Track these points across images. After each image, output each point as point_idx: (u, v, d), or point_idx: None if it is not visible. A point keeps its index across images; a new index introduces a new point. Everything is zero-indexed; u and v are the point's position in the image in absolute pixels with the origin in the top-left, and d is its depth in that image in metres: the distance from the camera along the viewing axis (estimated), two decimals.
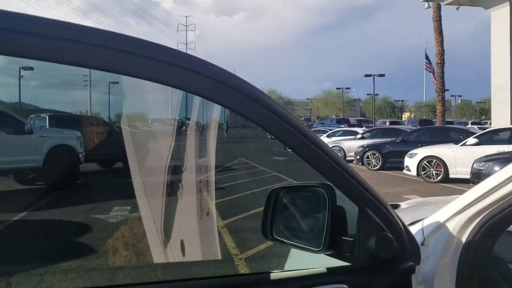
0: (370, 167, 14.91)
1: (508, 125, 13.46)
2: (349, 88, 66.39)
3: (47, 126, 10.66)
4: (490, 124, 19.18)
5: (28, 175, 11.07)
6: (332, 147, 17.38)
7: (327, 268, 1.17)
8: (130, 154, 1.96)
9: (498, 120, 15.79)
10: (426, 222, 1.36)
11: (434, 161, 11.90)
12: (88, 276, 4.21)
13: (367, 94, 63.93)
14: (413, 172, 12.28)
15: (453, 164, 11.62)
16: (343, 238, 1.21)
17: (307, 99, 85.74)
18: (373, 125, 34.44)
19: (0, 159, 9.86)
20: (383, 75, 39.74)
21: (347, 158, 16.92)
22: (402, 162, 12.94)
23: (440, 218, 1.31)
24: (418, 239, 1.33)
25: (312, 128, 31.50)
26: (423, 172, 12.05)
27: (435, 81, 25.21)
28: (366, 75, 38.80)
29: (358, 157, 15.56)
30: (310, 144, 1.06)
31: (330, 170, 1.10)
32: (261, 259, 4.62)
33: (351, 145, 17.42)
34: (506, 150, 10.48)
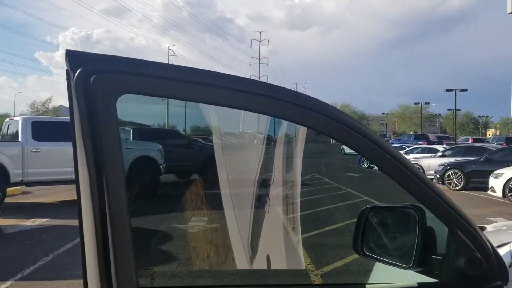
0: (451, 187, 14.26)
1: None
2: (428, 103, 63.56)
3: (131, 139, 11.35)
4: None
5: None
6: None
7: (418, 283, 1.24)
8: (219, 167, 2.11)
9: None
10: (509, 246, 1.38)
11: None
12: (171, 282, 4.46)
13: (448, 110, 61.06)
14: (499, 193, 11.58)
15: None
16: (433, 256, 1.27)
17: (383, 113, 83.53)
18: (454, 142, 32.81)
19: None
20: (465, 90, 37.70)
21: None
22: (486, 182, 12.25)
23: None
24: (507, 261, 1.36)
25: None
26: (509, 194, 11.33)
27: None
28: (447, 90, 37.09)
29: (438, 176, 14.94)
30: (402, 168, 1.16)
31: (421, 193, 1.18)
32: (337, 276, 4.63)
33: (430, 163, 16.75)
34: None
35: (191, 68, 1.02)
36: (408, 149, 21.98)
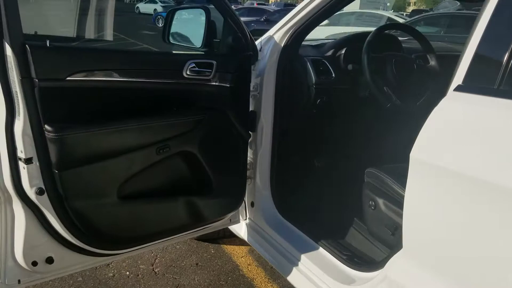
0: None
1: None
2: None
3: None
4: None
5: None
6: None
7: (203, 51, 1.96)
8: None
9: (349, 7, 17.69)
10: (264, 36, 2.19)
11: None
12: None
13: None
14: None
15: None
16: (214, 40, 2.00)
17: None
18: (241, 5, 34.68)
19: None
20: None
21: None
22: None
23: (271, 32, 2.15)
24: (258, 47, 2.18)
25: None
26: None
27: None
28: None
29: None
30: None
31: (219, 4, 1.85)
32: None
33: None
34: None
35: None
36: None
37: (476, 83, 1.19)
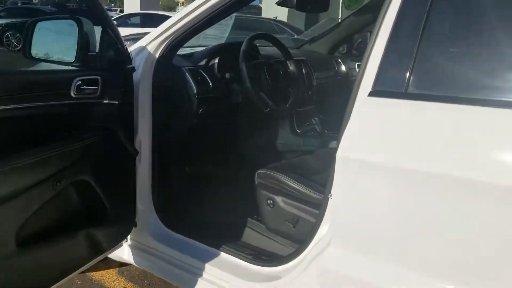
0: (11, 48, 13.99)
1: (138, 11, 15.13)
2: None
3: None
4: (121, 11, 21.08)
5: None
6: None
7: (78, 66, 1.77)
8: None
9: (129, 7, 17.45)
10: (134, 47, 2.08)
11: None
12: None
13: None
14: None
15: None
16: (89, 53, 1.82)
17: None
18: (3, 5, 30.67)
19: None
20: None
21: None
22: None
23: (143, 43, 2.06)
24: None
25: None
26: None
27: None
28: None
29: None
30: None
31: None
32: None
33: None
34: (136, 32, 11.95)
35: None
36: None
37: (386, 88, 1.40)
